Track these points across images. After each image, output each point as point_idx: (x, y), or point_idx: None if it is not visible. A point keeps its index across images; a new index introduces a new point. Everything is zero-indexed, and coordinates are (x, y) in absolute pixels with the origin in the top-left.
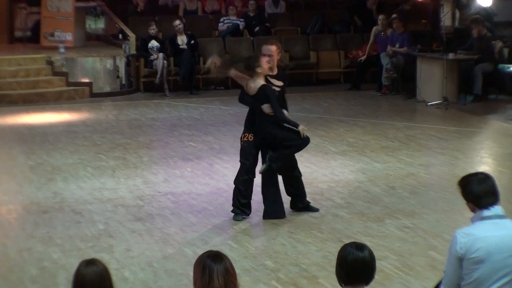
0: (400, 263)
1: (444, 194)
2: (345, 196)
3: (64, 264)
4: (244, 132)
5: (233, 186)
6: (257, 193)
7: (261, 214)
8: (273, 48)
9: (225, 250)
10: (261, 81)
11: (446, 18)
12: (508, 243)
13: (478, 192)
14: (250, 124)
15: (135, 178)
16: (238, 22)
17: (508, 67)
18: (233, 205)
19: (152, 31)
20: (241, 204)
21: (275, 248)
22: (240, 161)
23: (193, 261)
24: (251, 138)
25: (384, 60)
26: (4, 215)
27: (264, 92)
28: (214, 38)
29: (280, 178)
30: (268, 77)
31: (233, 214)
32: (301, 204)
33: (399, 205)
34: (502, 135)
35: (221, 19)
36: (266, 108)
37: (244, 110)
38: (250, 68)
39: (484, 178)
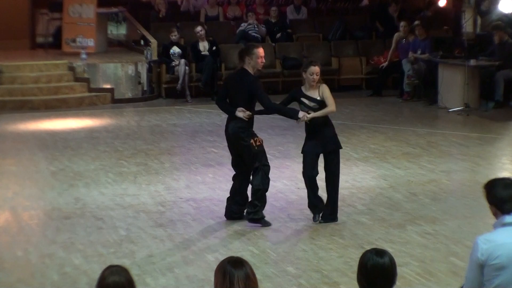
0: (421, 269)
1: (466, 201)
2: (366, 202)
3: (86, 270)
4: (255, 136)
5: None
6: (279, 199)
7: (283, 219)
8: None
9: (246, 256)
10: None
11: (467, 24)
12: None
13: (502, 197)
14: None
15: (156, 184)
16: (258, 36)
17: None
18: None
19: (173, 37)
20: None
21: (297, 254)
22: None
23: (214, 267)
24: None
25: (406, 67)
26: (26, 220)
27: None
28: (236, 44)
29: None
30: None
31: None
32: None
33: (420, 211)
34: None
35: (242, 24)
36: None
37: (266, 116)
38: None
39: (510, 183)
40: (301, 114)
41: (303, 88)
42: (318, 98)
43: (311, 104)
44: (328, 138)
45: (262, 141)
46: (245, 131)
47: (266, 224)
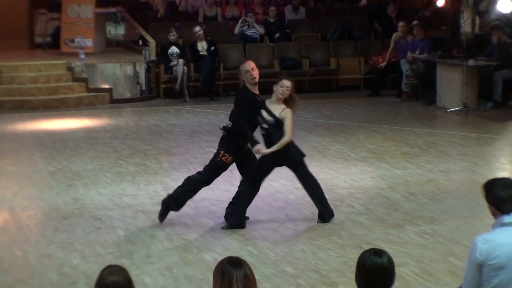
0: (420, 269)
1: (464, 201)
2: (365, 202)
3: (84, 270)
4: (228, 153)
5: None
6: (277, 199)
7: (282, 219)
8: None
9: (245, 256)
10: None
11: (466, 24)
12: None
13: (501, 197)
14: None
15: (155, 184)
16: (258, 35)
17: None
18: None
19: (172, 37)
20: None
21: (295, 254)
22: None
23: (213, 267)
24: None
25: (404, 67)
26: (25, 220)
27: None
28: (235, 44)
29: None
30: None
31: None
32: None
33: (419, 211)
34: None
35: (242, 25)
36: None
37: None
38: None
39: (509, 183)
40: (256, 148)
41: (267, 101)
42: (277, 115)
43: (268, 118)
44: (286, 155)
45: (230, 164)
46: (229, 145)
47: (161, 216)
